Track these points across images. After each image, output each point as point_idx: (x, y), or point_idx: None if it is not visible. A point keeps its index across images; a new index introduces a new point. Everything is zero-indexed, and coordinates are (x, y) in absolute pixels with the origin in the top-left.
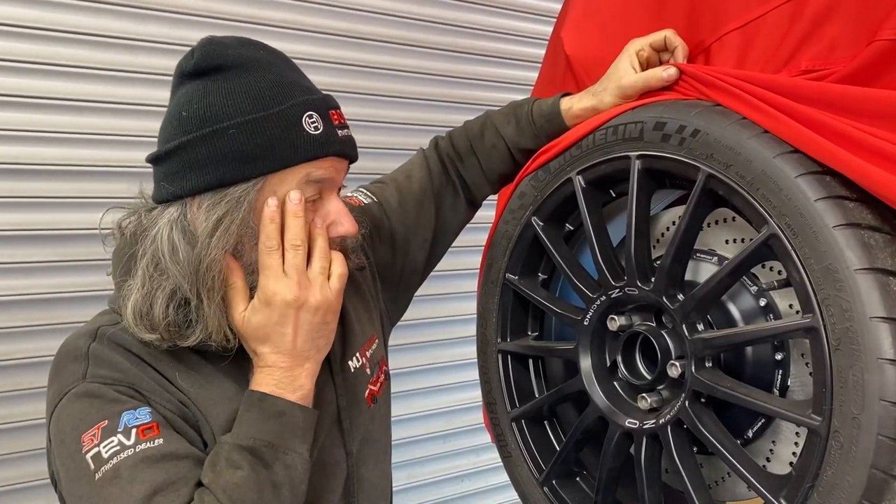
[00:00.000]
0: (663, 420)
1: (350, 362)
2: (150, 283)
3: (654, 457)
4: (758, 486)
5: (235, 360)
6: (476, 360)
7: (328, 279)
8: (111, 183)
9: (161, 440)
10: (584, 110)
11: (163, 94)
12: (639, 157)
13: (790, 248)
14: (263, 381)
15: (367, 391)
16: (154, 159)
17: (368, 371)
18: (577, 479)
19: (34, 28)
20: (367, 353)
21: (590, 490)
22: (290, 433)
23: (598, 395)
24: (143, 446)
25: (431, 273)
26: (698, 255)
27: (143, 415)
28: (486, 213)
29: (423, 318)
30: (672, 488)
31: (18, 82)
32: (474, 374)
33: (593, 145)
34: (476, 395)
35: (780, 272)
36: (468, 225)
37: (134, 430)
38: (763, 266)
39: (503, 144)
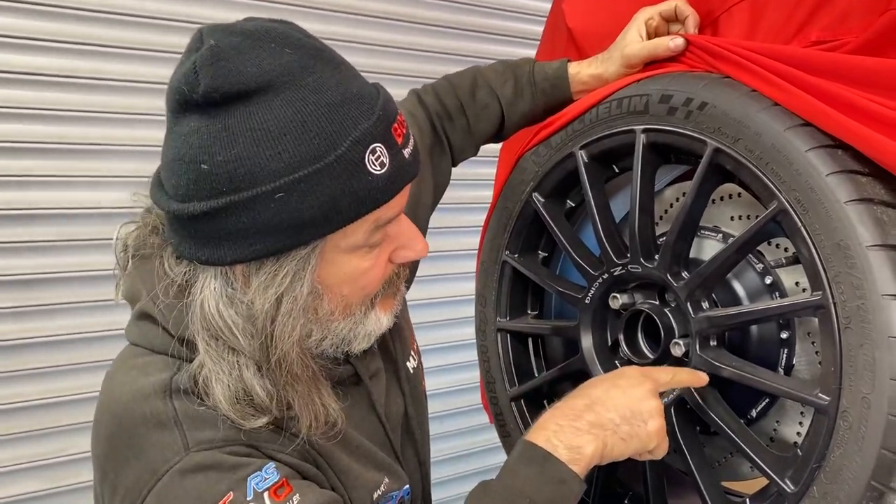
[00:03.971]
0: (667, 400)
1: (408, 363)
2: (226, 363)
3: None
4: (763, 466)
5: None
6: (474, 340)
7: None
8: (114, 162)
9: (298, 496)
10: (592, 77)
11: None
12: (644, 130)
13: (800, 223)
14: (545, 427)
15: (422, 388)
16: (170, 212)
17: (419, 367)
18: None
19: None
20: (415, 347)
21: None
22: None
23: (599, 375)
24: None
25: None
26: (703, 231)
27: (271, 473)
28: (484, 193)
29: (420, 298)
30: (674, 468)
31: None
32: (471, 356)
33: (597, 119)
34: (472, 376)
35: (786, 249)
36: (466, 205)
37: (266, 495)
38: (769, 243)
39: (497, 105)
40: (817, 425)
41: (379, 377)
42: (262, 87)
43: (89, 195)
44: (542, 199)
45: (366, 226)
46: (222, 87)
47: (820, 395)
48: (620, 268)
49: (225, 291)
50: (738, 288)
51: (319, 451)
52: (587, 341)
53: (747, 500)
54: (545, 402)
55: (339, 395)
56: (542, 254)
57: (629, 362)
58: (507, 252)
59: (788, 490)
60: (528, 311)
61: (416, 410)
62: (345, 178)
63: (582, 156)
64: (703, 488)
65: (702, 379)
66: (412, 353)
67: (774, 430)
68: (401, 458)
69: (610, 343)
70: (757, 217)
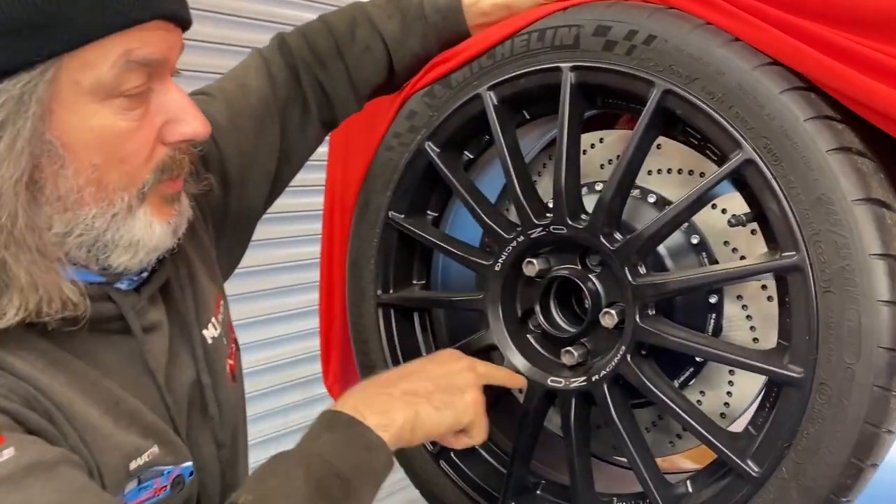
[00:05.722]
0: (598, 376)
1: (206, 331)
2: None
3: (583, 419)
4: (719, 445)
5: (88, 335)
6: (290, 312)
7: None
8: None
9: (12, 449)
10: (495, 7)
11: None
12: (573, 68)
13: (770, 175)
14: (350, 396)
15: (227, 366)
16: None
17: (225, 341)
18: (479, 449)
19: None
20: (220, 318)
21: (495, 461)
22: (369, 476)
23: (512, 352)
24: None
25: (268, 216)
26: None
27: None
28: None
29: (258, 265)
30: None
31: None
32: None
33: (511, 54)
34: (284, 351)
35: (722, 210)
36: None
37: None
38: None
39: (381, 46)
40: (785, 400)
41: (159, 333)
42: None
43: None
44: (437, 150)
45: (112, 57)
46: None
47: (791, 366)
48: (541, 229)
49: None
50: (662, 249)
51: (54, 399)
52: (497, 314)
53: (688, 482)
54: None
55: (102, 346)
56: (431, 214)
57: (545, 336)
58: (393, 212)
59: (753, 473)
60: (415, 282)
61: (212, 381)
62: None
63: (491, 97)
64: (644, 474)
65: (520, 381)
66: (214, 321)
67: (699, 401)
68: (183, 433)
69: (520, 315)
70: (678, 172)
